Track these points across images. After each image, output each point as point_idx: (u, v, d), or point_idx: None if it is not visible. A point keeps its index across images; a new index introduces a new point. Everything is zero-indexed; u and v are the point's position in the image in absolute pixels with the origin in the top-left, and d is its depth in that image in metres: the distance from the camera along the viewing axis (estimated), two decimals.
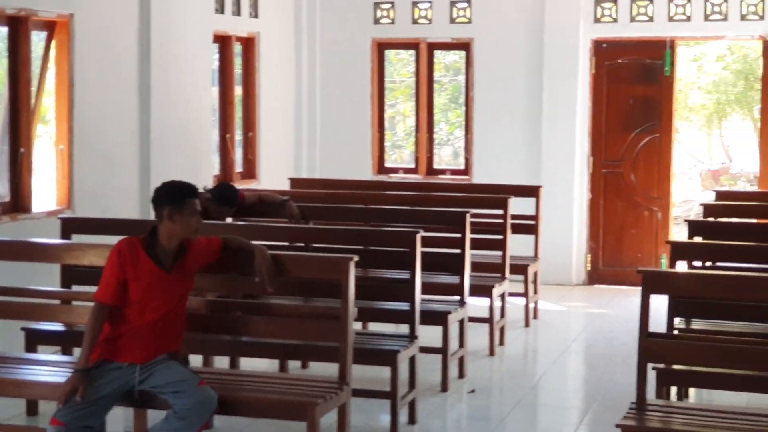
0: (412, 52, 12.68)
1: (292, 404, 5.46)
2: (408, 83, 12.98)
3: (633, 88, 11.81)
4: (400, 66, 15.67)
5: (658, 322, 6.58)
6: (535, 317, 10.13)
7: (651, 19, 11.61)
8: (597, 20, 11.76)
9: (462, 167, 12.51)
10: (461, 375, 8.05)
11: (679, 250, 7.25)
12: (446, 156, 21.12)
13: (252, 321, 6.11)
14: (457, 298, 7.87)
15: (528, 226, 10.07)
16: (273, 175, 11.54)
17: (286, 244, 7.80)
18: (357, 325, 7.96)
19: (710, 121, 25.32)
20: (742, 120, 24.21)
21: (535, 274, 10.11)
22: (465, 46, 12.23)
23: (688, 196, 20.46)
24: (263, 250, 5.79)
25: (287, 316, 6.13)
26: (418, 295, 6.84)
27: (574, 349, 9.32)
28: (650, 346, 5.55)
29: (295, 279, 6.18)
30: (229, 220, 7.88)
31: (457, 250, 7.90)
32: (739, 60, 22.29)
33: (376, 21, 12.43)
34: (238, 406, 5.55)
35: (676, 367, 6.29)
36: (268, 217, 8.23)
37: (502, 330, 9.15)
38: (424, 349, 7.28)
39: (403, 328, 7.07)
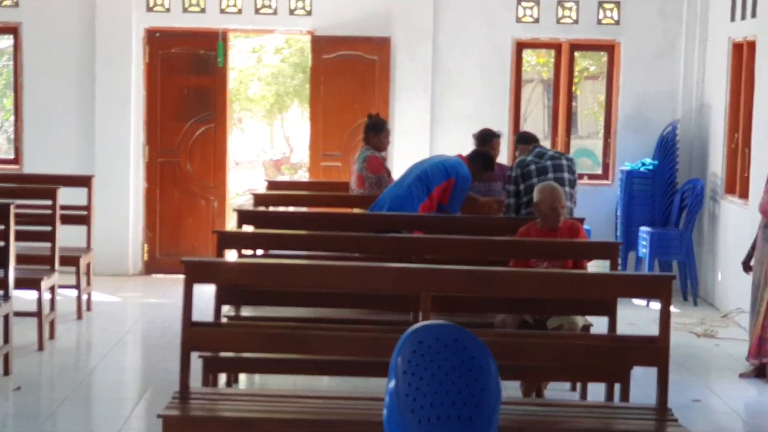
0: None
1: None
2: None
3: (187, 79, 11.82)
4: None
5: (211, 311, 6.70)
6: (88, 309, 9.92)
7: (203, 11, 11.64)
8: (150, 9, 11.62)
9: (12, 156, 12.02)
10: (6, 372, 7.73)
11: (225, 240, 7.37)
12: (3, 144, 20.31)
13: None
14: (1, 292, 7.58)
15: (80, 217, 9.86)
16: None
17: None
18: None
19: (271, 112, 26.07)
20: (301, 111, 25.09)
21: (88, 265, 9.90)
22: (13, 30, 11.72)
23: (251, 186, 20.92)
24: None
25: None
26: None
27: (128, 340, 9.23)
28: (194, 334, 5.60)
29: None
30: None
31: (0, 243, 7.62)
32: (296, 53, 23.05)
33: None
34: None
35: (223, 354, 6.41)
36: None
37: (51, 323, 8.90)
38: None
39: None
